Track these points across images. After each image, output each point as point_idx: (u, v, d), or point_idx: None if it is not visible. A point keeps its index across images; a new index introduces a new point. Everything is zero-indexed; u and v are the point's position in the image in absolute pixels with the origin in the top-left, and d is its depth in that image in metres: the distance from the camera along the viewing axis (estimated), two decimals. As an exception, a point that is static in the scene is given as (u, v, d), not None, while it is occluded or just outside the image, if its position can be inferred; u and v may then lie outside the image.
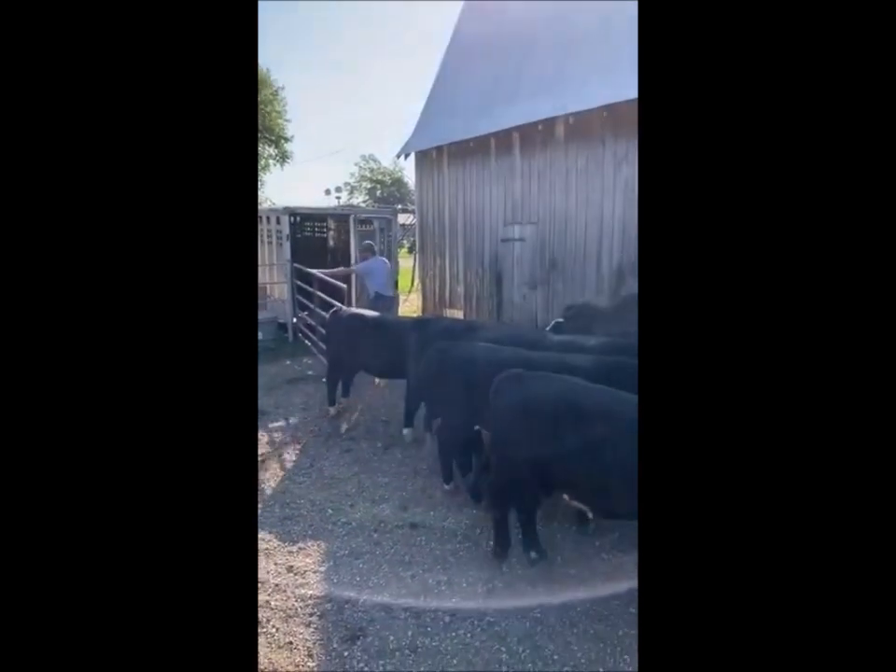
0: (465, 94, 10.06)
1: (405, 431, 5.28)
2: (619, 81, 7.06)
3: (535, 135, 8.26)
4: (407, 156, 11.02)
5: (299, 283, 8.83)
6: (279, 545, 3.66)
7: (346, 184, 37.24)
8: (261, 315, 8.88)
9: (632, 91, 6.66)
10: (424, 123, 10.91)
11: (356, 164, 37.64)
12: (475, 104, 9.68)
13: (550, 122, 7.87)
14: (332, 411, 5.90)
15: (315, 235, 12.34)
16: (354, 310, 5.96)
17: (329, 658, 2.71)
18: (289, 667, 2.65)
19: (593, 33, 7.97)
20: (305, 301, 8.55)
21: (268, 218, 9.61)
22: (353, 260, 9.57)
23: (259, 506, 4.14)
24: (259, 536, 3.75)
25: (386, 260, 8.24)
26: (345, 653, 2.73)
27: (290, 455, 5.05)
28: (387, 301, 7.78)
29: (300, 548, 3.63)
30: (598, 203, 7.51)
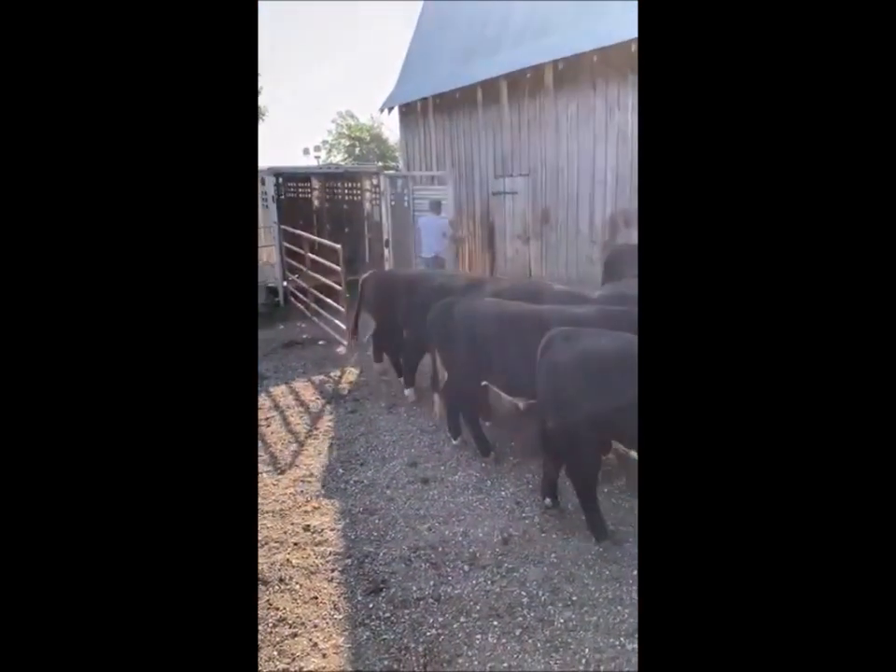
0: (448, 43, 9.74)
1: (406, 392, 5.29)
2: (608, 24, 6.87)
3: (523, 83, 8.06)
4: (391, 110, 10.73)
5: (288, 245, 8.68)
6: (293, 505, 3.71)
7: (324, 142, 36.21)
8: (251, 280, 8.74)
9: (622, 34, 6.48)
10: (406, 75, 10.60)
11: (332, 121, 36.42)
12: (459, 52, 9.39)
13: (538, 69, 7.67)
14: (409, 394, 5.37)
15: (299, 196, 12.09)
16: (388, 270, 5.99)
17: (354, 610, 2.78)
18: (317, 620, 2.73)
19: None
20: (296, 263, 8.43)
21: (252, 180, 9.36)
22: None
23: (269, 468, 4.18)
24: (273, 497, 3.80)
25: (439, 217, 8.04)
26: (370, 605, 2.81)
27: (295, 418, 5.07)
28: (430, 262, 7.82)
29: (314, 507, 3.69)
30: (590, 151, 7.39)
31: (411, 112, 10.38)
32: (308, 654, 2.54)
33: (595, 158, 7.39)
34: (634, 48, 6.31)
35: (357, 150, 35.36)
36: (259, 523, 3.51)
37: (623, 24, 6.55)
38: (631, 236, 7.08)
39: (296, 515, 3.60)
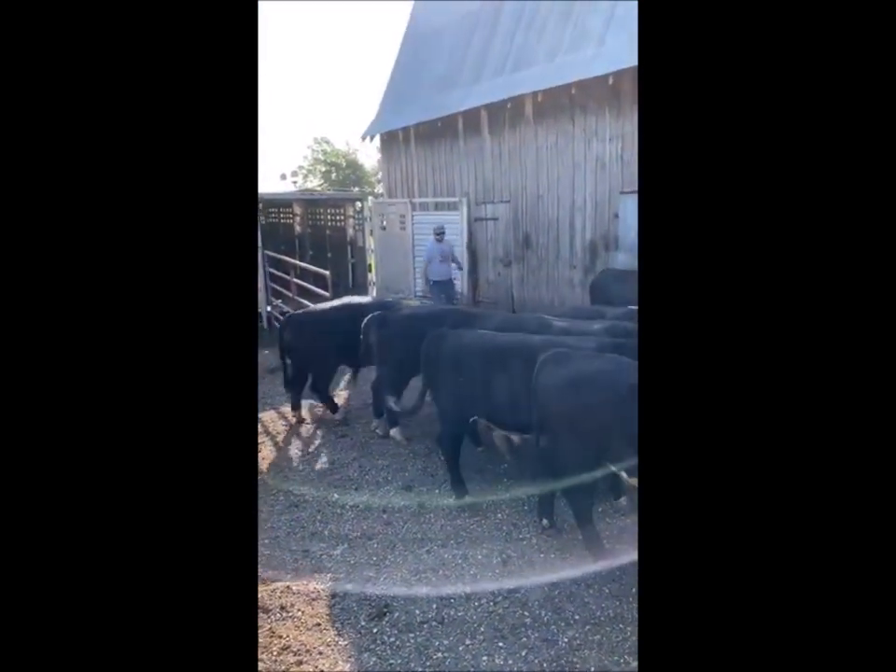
0: (429, 73, 9.98)
1: (392, 431, 5.00)
2: (585, 58, 7.14)
3: (503, 113, 8.29)
4: (372, 138, 10.90)
5: (272, 271, 8.70)
6: (290, 531, 3.70)
7: (300, 167, 36.36)
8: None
9: (599, 68, 6.75)
10: (387, 104, 10.80)
11: (308, 147, 36.56)
12: (440, 82, 9.62)
13: (518, 100, 7.91)
14: (298, 416, 5.48)
15: (280, 221, 12.16)
16: (307, 310, 5.69)
17: (359, 635, 2.78)
18: (321, 647, 2.71)
19: (555, 10, 7.97)
20: (280, 288, 8.44)
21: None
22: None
23: (264, 495, 4.15)
24: (269, 524, 3.78)
25: (445, 242, 7.86)
26: (374, 629, 2.81)
27: (285, 444, 5.04)
28: (437, 287, 7.73)
29: (311, 533, 3.67)
30: (570, 178, 7.62)
31: (392, 140, 10.56)
32: (315, 682, 2.53)
33: (575, 185, 7.61)
34: (611, 81, 6.57)
35: (334, 176, 35.53)
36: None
37: (597, 60, 6.84)
38: (610, 260, 7.28)
39: (293, 541, 3.58)
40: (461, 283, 9.04)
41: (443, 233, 7.79)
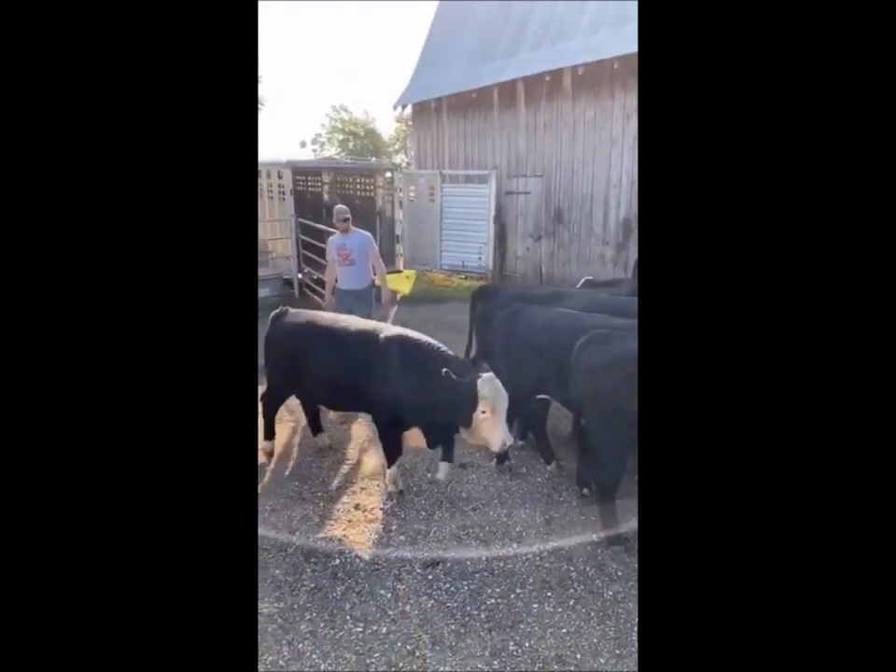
0: (464, 43, 9.90)
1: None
2: (629, 32, 7.08)
3: (540, 87, 8.25)
4: (404, 107, 10.88)
5: (304, 237, 8.81)
6: (340, 486, 3.89)
7: (318, 136, 36.14)
8: (263, 272, 8.84)
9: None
10: (420, 73, 10.74)
11: (326, 115, 36.23)
12: (476, 53, 9.55)
13: (557, 73, 7.87)
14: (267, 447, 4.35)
15: (308, 189, 12.20)
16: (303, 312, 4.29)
17: (415, 581, 2.97)
18: (381, 590, 2.91)
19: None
20: (313, 256, 8.56)
21: (268, 173, 9.48)
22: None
23: (309, 455, 4.34)
24: (319, 479, 3.97)
25: (366, 234, 5.58)
26: (430, 576, 3.00)
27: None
28: (346, 298, 5.44)
29: (360, 488, 3.86)
30: (606, 155, 7.62)
31: (424, 110, 10.53)
32: (379, 620, 2.72)
33: (611, 161, 7.61)
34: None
35: (351, 145, 35.24)
36: (311, 503, 3.68)
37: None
38: (644, 239, 7.31)
39: (344, 496, 3.77)
40: (486, 258, 9.08)
41: (348, 220, 5.36)
